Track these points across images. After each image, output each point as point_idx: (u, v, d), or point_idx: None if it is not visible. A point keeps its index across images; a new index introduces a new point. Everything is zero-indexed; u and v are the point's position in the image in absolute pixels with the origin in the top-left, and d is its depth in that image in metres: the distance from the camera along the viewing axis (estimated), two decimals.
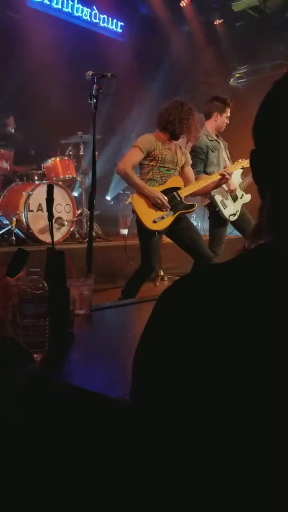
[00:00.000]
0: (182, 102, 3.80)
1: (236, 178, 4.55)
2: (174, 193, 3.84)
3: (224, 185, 4.30)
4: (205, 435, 0.55)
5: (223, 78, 9.86)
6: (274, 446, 0.53)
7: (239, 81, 10.17)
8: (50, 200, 1.77)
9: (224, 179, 4.12)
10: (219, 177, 4.11)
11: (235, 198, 4.58)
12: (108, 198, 8.13)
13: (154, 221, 3.74)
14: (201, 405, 0.55)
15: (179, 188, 3.88)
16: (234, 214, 4.53)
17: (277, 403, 0.53)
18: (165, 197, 3.75)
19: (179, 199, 3.85)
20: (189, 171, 4.03)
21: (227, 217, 4.49)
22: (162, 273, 5.75)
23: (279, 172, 0.66)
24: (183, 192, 3.89)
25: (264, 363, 0.54)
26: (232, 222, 4.59)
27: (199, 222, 7.70)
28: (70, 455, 1.10)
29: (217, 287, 0.61)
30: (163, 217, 3.76)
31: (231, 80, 10.18)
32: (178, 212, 3.84)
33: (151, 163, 3.76)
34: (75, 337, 1.52)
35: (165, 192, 3.78)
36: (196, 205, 3.95)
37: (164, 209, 3.75)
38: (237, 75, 10.08)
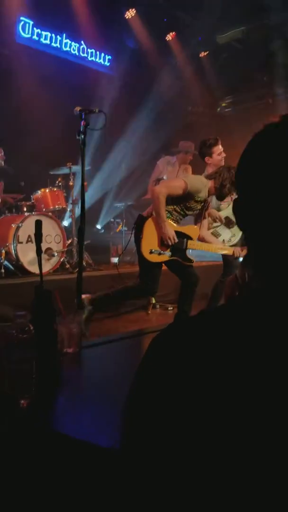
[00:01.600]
0: (230, 166, 3.84)
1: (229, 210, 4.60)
2: (184, 239, 3.85)
3: (209, 218, 4.37)
4: (196, 486, 0.54)
5: (210, 108, 10.06)
6: (261, 495, 0.52)
7: (226, 109, 10.38)
8: (38, 235, 1.76)
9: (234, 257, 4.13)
10: (231, 251, 4.05)
11: (229, 224, 4.63)
12: (99, 226, 8.15)
13: (151, 251, 3.75)
14: (191, 457, 0.55)
15: (190, 238, 3.89)
16: (230, 240, 4.58)
17: (266, 455, 0.53)
18: (176, 239, 3.77)
19: (184, 247, 3.86)
20: (206, 222, 4.09)
21: (225, 243, 4.53)
22: (154, 301, 5.72)
23: (260, 222, 0.67)
24: (192, 245, 3.90)
25: (253, 416, 0.53)
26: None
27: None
28: (56, 506, 1.06)
29: (208, 337, 0.60)
30: (160, 253, 3.77)
31: (218, 109, 10.40)
32: (175, 258, 3.85)
33: (182, 201, 3.76)
34: (63, 379, 1.48)
35: (177, 233, 3.79)
36: (194, 262, 3.96)
37: (167, 248, 3.77)
38: (223, 104, 10.29)
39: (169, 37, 7.85)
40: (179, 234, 3.81)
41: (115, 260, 6.67)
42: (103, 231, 8.10)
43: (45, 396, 1.28)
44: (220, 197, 3.86)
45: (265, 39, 8.71)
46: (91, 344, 2.01)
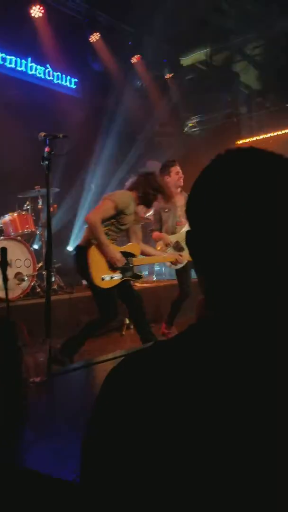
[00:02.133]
0: (146, 173, 3.93)
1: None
2: (128, 258, 3.88)
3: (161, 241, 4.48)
4: None
5: (177, 128, 10.22)
6: None
7: (194, 129, 10.56)
8: (4, 264, 1.73)
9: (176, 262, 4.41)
10: (172, 258, 4.31)
11: (178, 248, 4.73)
12: (70, 248, 8.09)
13: (103, 279, 3.75)
14: (150, 489, 0.55)
15: (134, 256, 3.95)
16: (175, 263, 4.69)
17: (220, 478, 0.53)
18: (124, 260, 3.79)
19: (131, 266, 3.90)
20: (138, 229, 4.11)
21: (169, 266, 4.78)
22: (127, 321, 5.68)
23: (210, 254, 0.67)
24: (137, 261, 3.97)
25: (209, 444, 0.54)
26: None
27: (162, 267, 7.78)
28: None
29: (163, 368, 0.61)
30: (112, 277, 3.77)
31: (185, 129, 10.57)
32: (126, 278, 3.88)
33: (113, 219, 3.77)
34: (29, 409, 1.45)
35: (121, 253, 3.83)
36: (143, 276, 4.02)
37: (116, 270, 3.78)
38: (190, 124, 10.48)
39: (134, 59, 7.97)
40: (124, 254, 3.83)
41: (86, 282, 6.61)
42: (74, 252, 8.03)
43: (9, 429, 1.25)
44: (148, 204, 3.92)
45: (228, 60, 8.95)
46: (61, 372, 1.97)
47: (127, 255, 3.89)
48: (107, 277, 3.75)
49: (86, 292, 5.92)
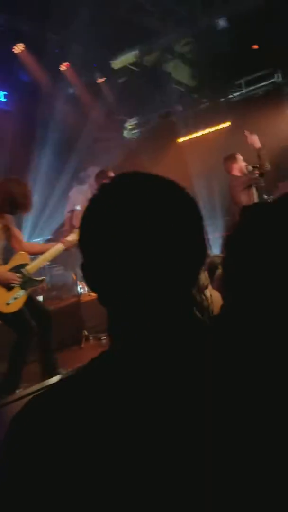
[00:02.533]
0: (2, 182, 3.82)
1: None
2: (22, 270, 3.73)
3: None
4: None
5: (117, 132, 10.18)
6: None
7: (133, 132, 10.54)
8: None
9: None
10: (61, 247, 4.03)
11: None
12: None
13: (7, 303, 3.61)
14: None
15: (26, 264, 3.80)
16: None
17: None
18: (18, 276, 3.65)
19: (28, 275, 3.76)
20: (14, 230, 3.91)
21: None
22: (86, 333, 5.57)
23: (109, 286, 0.68)
24: (32, 269, 3.81)
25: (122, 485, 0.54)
26: None
27: None
28: None
29: (69, 405, 0.60)
30: (15, 298, 3.64)
31: (125, 132, 10.53)
32: (30, 289, 3.76)
33: None
34: None
35: (13, 269, 3.68)
36: (45, 278, 3.87)
37: (15, 288, 3.64)
38: (129, 126, 10.45)
39: (63, 67, 7.84)
40: (15, 269, 3.71)
41: (39, 298, 6.44)
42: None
43: None
44: (14, 211, 3.79)
45: (158, 60, 8.97)
46: (9, 402, 1.84)
47: (19, 267, 3.74)
48: (10, 301, 3.62)
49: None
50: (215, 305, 2.32)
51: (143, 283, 0.64)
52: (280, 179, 9.07)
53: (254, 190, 5.69)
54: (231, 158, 5.83)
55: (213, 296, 2.40)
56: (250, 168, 5.73)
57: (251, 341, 0.67)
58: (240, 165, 5.76)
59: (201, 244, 0.71)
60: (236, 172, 5.75)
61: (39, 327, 3.82)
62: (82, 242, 0.71)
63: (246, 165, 5.75)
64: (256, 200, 5.61)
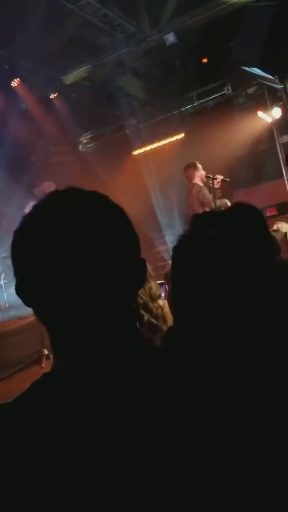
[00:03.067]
0: None
1: None
2: None
3: None
4: None
5: (72, 145, 10.16)
6: None
7: (88, 146, 10.55)
8: None
9: None
10: None
11: None
12: None
13: None
14: None
15: None
16: None
17: None
18: None
19: None
20: None
21: None
22: (46, 352, 5.47)
23: (42, 308, 0.67)
24: None
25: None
26: None
27: None
28: None
29: (10, 433, 0.58)
30: None
31: (80, 146, 10.53)
32: None
33: None
34: None
35: None
36: None
37: None
38: (84, 140, 10.46)
39: (14, 83, 7.78)
40: None
41: None
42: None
43: None
44: None
45: (110, 74, 9.03)
46: None
47: None
48: None
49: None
50: (168, 314, 2.33)
51: (77, 301, 0.63)
52: (234, 187, 9.28)
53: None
54: (193, 166, 5.96)
55: (166, 305, 2.41)
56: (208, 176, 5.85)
57: (203, 356, 0.70)
58: (201, 174, 5.89)
59: (138, 261, 0.70)
60: (197, 180, 5.87)
61: None
62: (15, 261, 0.70)
63: (205, 174, 5.88)
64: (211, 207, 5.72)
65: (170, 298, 1.10)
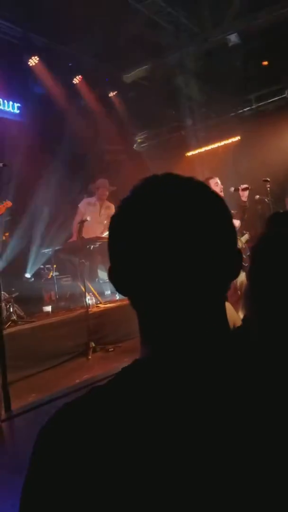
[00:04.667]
0: None
1: None
2: None
3: None
4: None
5: (126, 144, 10.25)
6: None
7: (142, 145, 10.61)
8: None
9: None
10: None
11: None
12: (28, 275, 7.89)
13: None
14: None
15: None
16: None
17: None
18: None
19: None
20: None
21: None
22: (93, 345, 5.55)
23: (137, 290, 0.66)
24: None
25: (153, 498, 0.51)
26: None
27: None
28: None
29: (101, 419, 0.57)
30: None
31: (135, 145, 10.61)
32: None
33: None
34: None
35: None
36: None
37: None
38: (138, 140, 10.52)
39: (76, 80, 7.93)
40: None
41: (48, 308, 6.44)
42: (32, 279, 7.85)
43: None
44: None
45: (169, 74, 9.06)
46: (20, 411, 1.84)
47: None
48: None
49: (49, 319, 5.76)
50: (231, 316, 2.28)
51: (175, 288, 0.62)
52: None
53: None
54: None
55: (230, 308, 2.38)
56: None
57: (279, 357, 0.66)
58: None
59: (234, 252, 0.68)
60: None
61: None
62: (112, 246, 0.69)
63: (221, 188, 5.35)
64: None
65: (246, 299, 1.08)
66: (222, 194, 5.19)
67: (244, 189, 5.51)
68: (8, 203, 5.57)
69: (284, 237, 0.96)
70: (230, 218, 0.70)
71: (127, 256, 0.66)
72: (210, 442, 0.54)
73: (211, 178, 5.34)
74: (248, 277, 1.03)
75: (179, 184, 0.67)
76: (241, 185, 5.56)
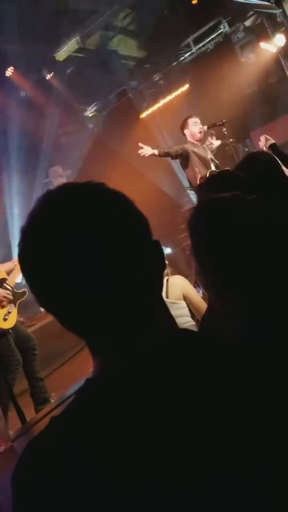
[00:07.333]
0: None
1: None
2: (5, 284, 3.66)
3: None
4: None
5: (80, 123, 10.01)
6: None
7: (94, 119, 10.38)
8: None
9: None
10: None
11: None
12: (18, 280, 7.83)
13: (5, 319, 3.53)
14: None
15: (4, 279, 3.71)
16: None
17: None
18: (7, 291, 3.58)
19: (11, 289, 3.69)
20: None
21: None
22: None
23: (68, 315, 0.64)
24: (11, 281, 3.74)
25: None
26: None
27: None
28: None
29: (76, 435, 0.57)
30: (9, 312, 3.57)
31: (87, 121, 10.37)
32: (18, 302, 3.69)
33: None
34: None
35: None
36: (27, 292, 3.73)
37: (6, 304, 3.57)
38: (90, 115, 10.28)
39: (8, 72, 7.65)
40: None
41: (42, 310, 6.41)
42: (23, 282, 7.79)
43: None
44: None
45: (102, 41, 8.76)
46: (22, 432, 1.82)
47: (1, 282, 3.67)
48: (7, 315, 3.53)
49: (48, 318, 5.75)
50: (172, 289, 2.30)
51: (103, 300, 0.61)
52: (250, 127, 8.97)
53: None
54: (182, 126, 5.25)
55: (173, 280, 2.39)
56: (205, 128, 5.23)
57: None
58: (191, 131, 5.12)
59: (150, 245, 0.66)
60: (190, 139, 5.16)
61: (22, 352, 3.65)
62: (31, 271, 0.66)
63: (199, 129, 5.13)
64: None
65: (200, 275, 1.04)
66: (201, 135, 5.15)
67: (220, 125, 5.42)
68: None
69: (214, 206, 0.92)
70: (133, 215, 0.66)
71: (43, 278, 0.64)
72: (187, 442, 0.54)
73: (190, 117, 5.21)
74: (192, 254, 0.99)
75: (70, 197, 0.65)
76: (217, 122, 5.41)
